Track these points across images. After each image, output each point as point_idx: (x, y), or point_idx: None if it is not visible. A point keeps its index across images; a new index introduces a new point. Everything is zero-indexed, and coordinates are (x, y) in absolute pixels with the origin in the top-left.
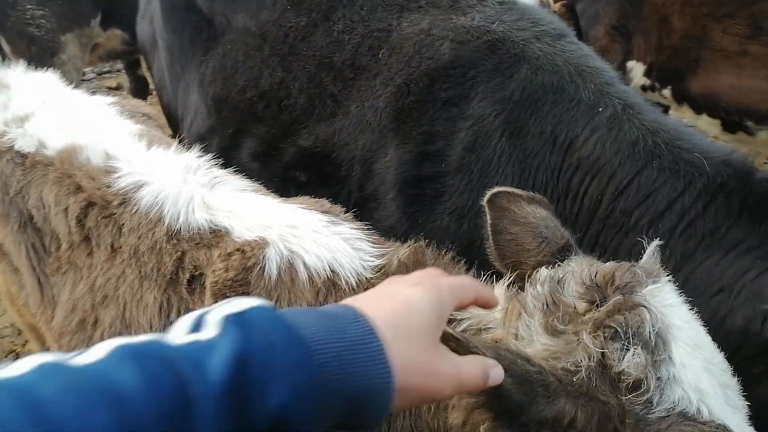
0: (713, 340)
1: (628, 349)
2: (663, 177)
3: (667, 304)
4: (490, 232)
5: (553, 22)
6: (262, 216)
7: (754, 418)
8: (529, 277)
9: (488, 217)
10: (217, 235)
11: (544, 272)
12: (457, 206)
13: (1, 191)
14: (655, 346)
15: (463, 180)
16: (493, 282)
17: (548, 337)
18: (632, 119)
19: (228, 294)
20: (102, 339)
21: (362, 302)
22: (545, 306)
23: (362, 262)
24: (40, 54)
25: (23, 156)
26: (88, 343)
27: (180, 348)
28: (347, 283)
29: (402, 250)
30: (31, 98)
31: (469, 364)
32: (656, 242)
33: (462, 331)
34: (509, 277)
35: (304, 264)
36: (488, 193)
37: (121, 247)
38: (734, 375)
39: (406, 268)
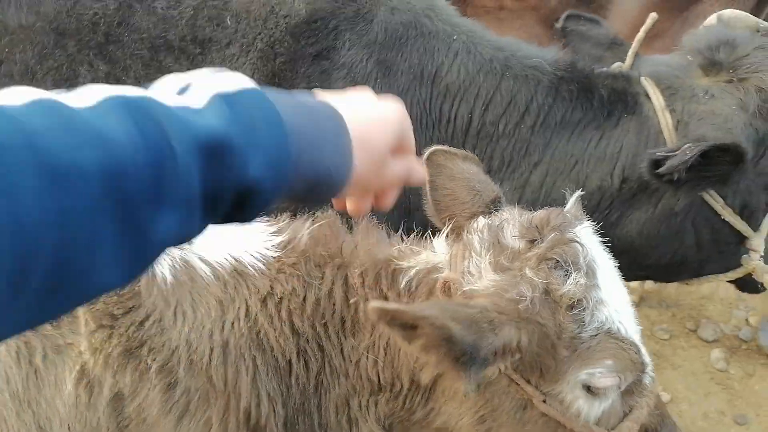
0: None
1: (570, 275)
2: (518, 84)
3: (590, 241)
4: (428, 189)
5: None
6: None
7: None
8: (465, 228)
9: (426, 174)
10: None
11: (481, 221)
12: None
13: None
14: (588, 274)
15: None
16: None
17: (495, 274)
18: (480, 42)
19: (114, 311)
20: None
21: (342, 104)
22: (490, 247)
23: (263, 243)
24: None
25: None
26: None
27: (169, 107)
28: (254, 267)
29: (307, 224)
30: None
31: (398, 167)
32: (578, 192)
33: (411, 276)
34: (446, 229)
35: (203, 262)
36: (426, 151)
37: None
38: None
39: (318, 242)
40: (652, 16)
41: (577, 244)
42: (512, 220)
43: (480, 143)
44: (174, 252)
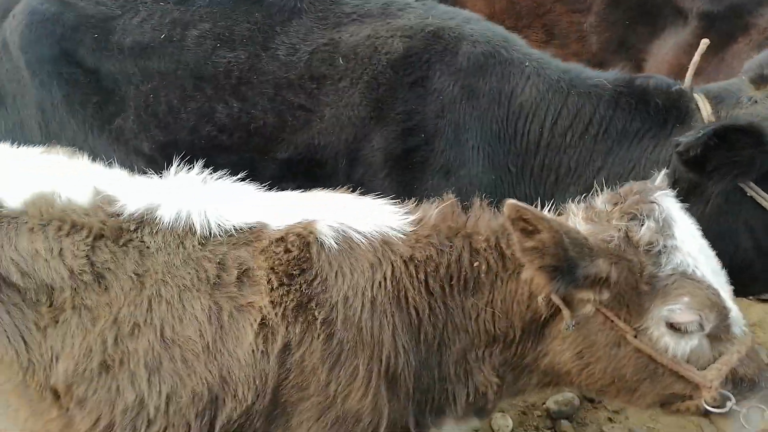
0: None
1: (644, 223)
2: (582, 99)
3: (671, 204)
4: None
5: (462, 12)
6: (290, 206)
7: None
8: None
9: None
10: (251, 231)
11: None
12: (442, 164)
13: (28, 258)
14: (663, 225)
15: (441, 142)
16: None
17: (588, 225)
18: (548, 66)
19: (291, 272)
20: (139, 375)
21: None
22: (584, 208)
23: (398, 222)
24: None
25: None
26: (117, 387)
27: None
28: (397, 238)
29: (434, 206)
30: None
31: None
32: (664, 171)
33: None
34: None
35: (358, 233)
36: None
37: (147, 272)
38: None
39: (445, 218)
40: (705, 41)
41: (654, 204)
42: (605, 192)
43: (549, 153)
44: (336, 225)
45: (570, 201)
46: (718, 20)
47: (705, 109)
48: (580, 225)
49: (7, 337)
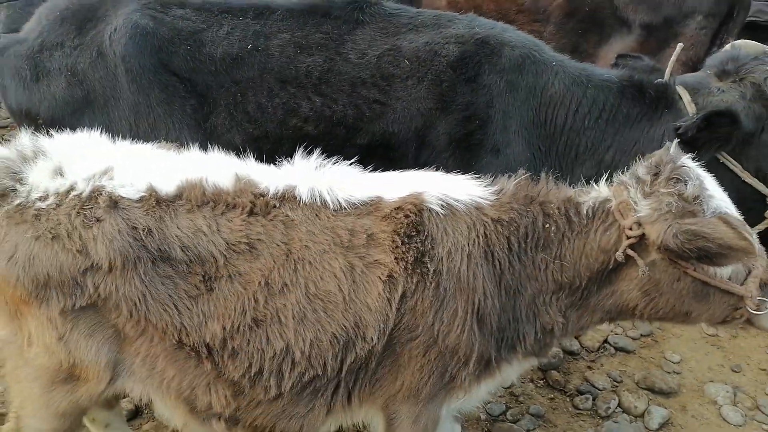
0: None
1: (687, 183)
2: (597, 91)
3: (694, 165)
4: None
5: (498, 23)
6: (397, 182)
7: None
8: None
9: None
10: (371, 203)
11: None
12: (493, 145)
13: (131, 236)
14: (698, 181)
15: (492, 126)
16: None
17: (646, 199)
18: (570, 65)
19: (410, 233)
20: (288, 327)
21: None
22: (636, 183)
23: (484, 192)
24: None
25: (144, 200)
26: (267, 338)
27: None
28: (485, 204)
29: (512, 181)
30: (85, 156)
31: None
32: (675, 140)
33: (590, 205)
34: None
35: (456, 200)
36: None
37: (292, 240)
38: None
39: (521, 189)
40: (680, 45)
41: (685, 167)
42: (640, 165)
43: (571, 135)
44: (439, 195)
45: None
46: (655, 30)
47: (685, 97)
48: (640, 200)
49: (161, 306)
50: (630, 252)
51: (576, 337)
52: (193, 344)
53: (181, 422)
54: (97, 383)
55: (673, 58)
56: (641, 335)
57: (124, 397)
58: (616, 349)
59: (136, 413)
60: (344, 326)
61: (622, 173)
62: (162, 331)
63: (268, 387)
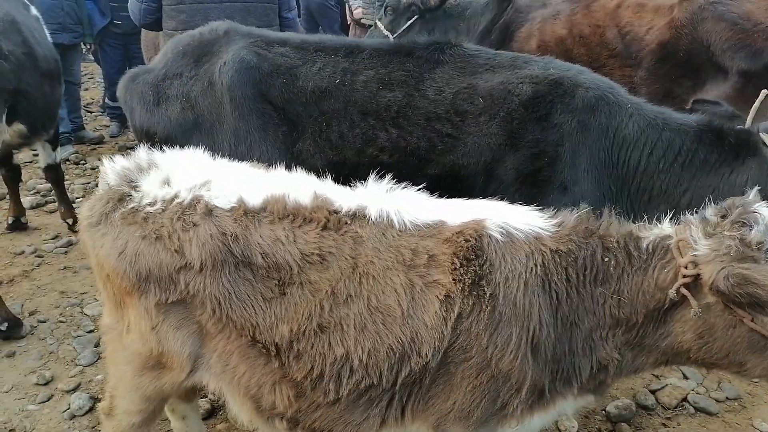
0: None
1: (753, 228)
2: (673, 134)
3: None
4: None
5: (574, 65)
6: (460, 209)
7: None
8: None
9: None
10: (434, 226)
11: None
12: (561, 182)
13: (220, 240)
14: (766, 228)
15: (560, 164)
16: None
17: (706, 239)
18: (645, 107)
19: (469, 256)
20: (349, 335)
21: None
22: (699, 222)
23: (545, 223)
24: None
25: (234, 210)
26: (329, 344)
27: None
28: (545, 235)
29: (573, 214)
30: (190, 169)
31: None
32: (756, 188)
33: (650, 241)
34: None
35: (516, 230)
36: None
37: (359, 255)
38: None
39: (581, 223)
40: (764, 92)
41: (756, 213)
42: (710, 207)
43: (645, 177)
44: (500, 223)
45: (671, 216)
46: (754, 77)
47: None
48: (701, 239)
49: (241, 305)
50: (684, 291)
51: (652, 392)
52: (265, 342)
53: (247, 419)
54: (179, 373)
55: (756, 104)
56: (727, 398)
57: (203, 396)
58: (697, 409)
59: (211, 413)
60: (401, 340)
61: (692, 215)
62: (239, 329)
63: (327, 391)
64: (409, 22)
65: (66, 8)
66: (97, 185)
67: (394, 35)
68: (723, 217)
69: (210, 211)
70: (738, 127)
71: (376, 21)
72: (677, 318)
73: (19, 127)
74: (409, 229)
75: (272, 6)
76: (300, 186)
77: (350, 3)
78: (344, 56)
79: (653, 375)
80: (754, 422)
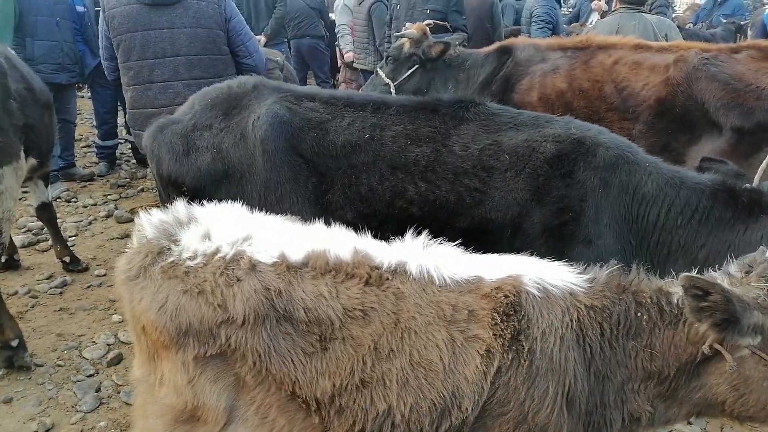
0: None
1: None
2: (690, 192)
3: None
4: None
5: (593, 125)
6: (496, 264)
7: None
8: None
9: None
10: (473, 282)
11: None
12: (585, 236)
13: (264, 295)
14: None
15: (584, 219)
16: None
17: (734, 288)
18: (663, 167)
19: (509, 311)
20: (391, 390)
21: None
22: (724, 277)
23: (578, 279)
24: None
25: (277, 265)
26: (371, 399)
27: None
28: (579, 291)
29: (604, 270)
30: (229, 224)
31: None
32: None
33: (681, 296)
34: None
35: (552, 285)
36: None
37: (401, 310)
38: None
39: (613, 279)
40: None
41: None
42: (733, 263)
43: (663, 233)
44: (537, 279)
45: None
46: (747, 134)
47: None
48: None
49: (281, 359)
50: (717, 346)
51: None
52: (305, 397)
53: None
54: (213, 426)
55: (763, 165)
56: None
57: None
58: None
59: None
60: (443, 394)
61: (714, 270)
62: (279, 382)
63: None
64: (410, 71)
65: (65, 49)
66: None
67: (395, 83)
68: (747, 272)
69: (254, 266)
70: (749, 186)
71: (377, 69)
72: (711, 371)
73: (31, 161)
74: (449, 285)
75: (221, 57)
76: (340, 241)
77: (341, 47)
78: (372, 112)
79: None
80: None
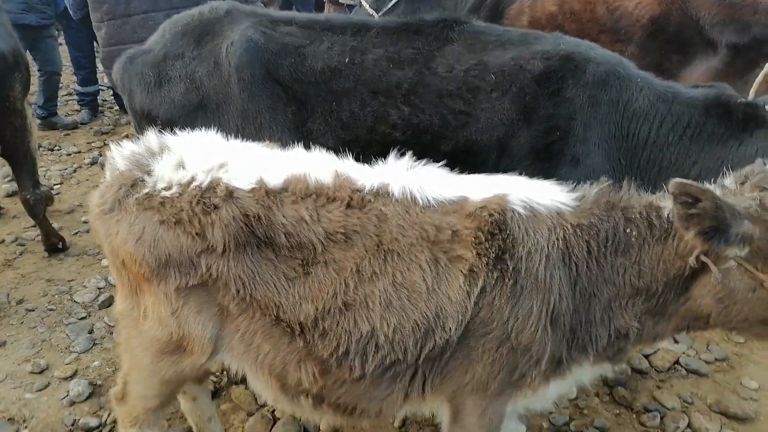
0: None
1: None
2: (682, 107)
3: None
4: None
5: (584, 41)
6: (481, 184)
7: None
8: None
9: None
10: (457, 202)
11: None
12: (572, 156)
13: (243, 222)
14: None
15: (572, 138)
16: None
17: (727, 198)
18: (654, 82)
19: (493, 230)
20: (374, 312)
21: None
22: (717, 188)
23: (566, 197)
24: None
25: (255, 191)
26: (354, 321)
27: None
28: (567, 209)
29: (594, 188)
30: (204, 151)
31: None
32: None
33: (670, 209)
34: None
35: (538, 204)
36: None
37: (384, 232)
38: None
39: (602, 196)
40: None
41: None
42: (728, 176)
43: (654, 150)
44: (523, 197)
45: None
46: (743, 50)
47: None
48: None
49: (264, 285)
50: (704, 258)
51: (645, 356)
52: (289, 321)
53: (272, 397)
54: (200, 356)
55: (759, 78)
56: (716, 359)
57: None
58: (688, 371)
59: (215, 394)
60: (426, 315)
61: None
62: (263, 308)
63: (353, 367)
64: (394, 1)
65: None
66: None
67: (379, 14)
68: (742, 183)
69: (231, 193)
70: (744, 100)
71: (361, 0)
72: (698, 285)
73: None
74: (432, 206)
75: None
76: (320, 165)
77: None
78: (352, 35)
79: None
80: (742, 380)
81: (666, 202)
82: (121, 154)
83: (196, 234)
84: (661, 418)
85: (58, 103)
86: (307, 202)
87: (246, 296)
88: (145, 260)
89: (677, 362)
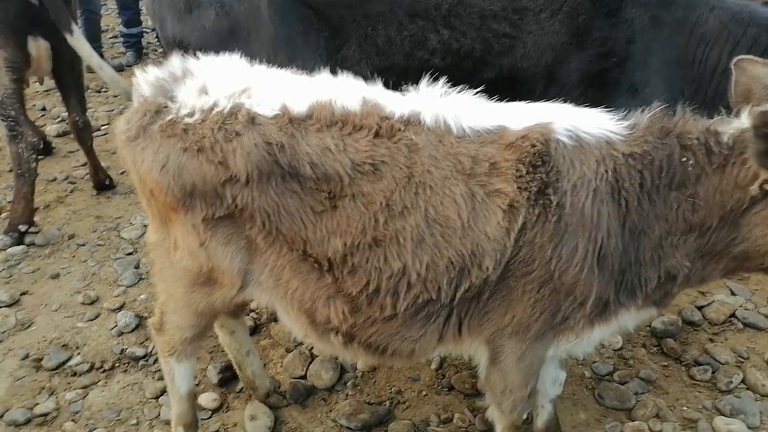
0: None
1: None
2: (759, 30)
3: None
4: (732, 84)
5: None
6: (524, 112)
7: None
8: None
9: (733, 74)
10: (496, 132)
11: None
12: (630, 84)
13: (266, 150)
14: None
15: (631, 64)
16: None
17: None
18: (725, 2)
19: (536, 162)
20: (406, 248)
21: None
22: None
23: (616, 126)
24: None
25: (278, 117)
26: (384, 258)
27: None
28: (618, 138)
29: (646, 114)
30: (227, 76)
31: None
32: None
33: (731, 134)
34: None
35: (585, 133)
36: (735, 59)
37: (415, 164)
38: None
39: (656, 122)
40: None
41: None
42: None
43: (724, 80)
44: (568, 126)
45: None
46: None
47: None
48: None
49: (290, 219)
50: (767, 187)
51: (698, 308)
52: (317, 257)
53: (302, 334)
54: (230, 289)
55: None
56: None
57: (248, 313)
58: (745, 324)
59: (255, 330)
60: (461, 253)
61: None
62: (290, 243)
63: (383, 306)
64: None
65: None
66: (121, 112)
67: None
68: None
69: (253, 119)
70: None
71: None
72: (756, 221)
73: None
74: (468, 135)
75: None
76: (347, 91)
77: None
78: None
79: (699, 292)
80: None
81: (725, 127)
82: (145, 79)
83: (219, 162)
84: (713, 372)
85: (104, 46)
86: (332, 130)
87: (272, 229)
88: (171, 190)
89: (733, 315)
